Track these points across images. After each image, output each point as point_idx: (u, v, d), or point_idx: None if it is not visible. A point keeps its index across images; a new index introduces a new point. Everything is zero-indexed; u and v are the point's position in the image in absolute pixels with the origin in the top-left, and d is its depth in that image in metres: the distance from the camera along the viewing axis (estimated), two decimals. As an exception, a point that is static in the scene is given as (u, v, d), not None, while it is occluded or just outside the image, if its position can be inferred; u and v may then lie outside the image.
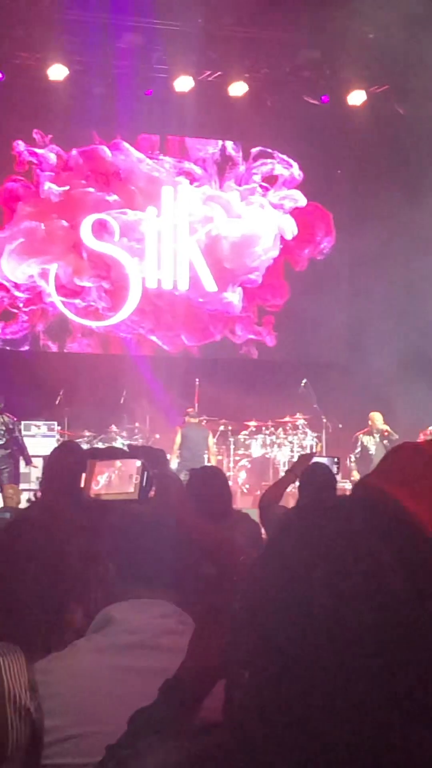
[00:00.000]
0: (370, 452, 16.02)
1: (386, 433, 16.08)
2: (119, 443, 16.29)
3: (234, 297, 18.33)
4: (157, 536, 2.58)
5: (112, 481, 2.60)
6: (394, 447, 1.82)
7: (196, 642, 2.11)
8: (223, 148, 18.52)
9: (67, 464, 4.71)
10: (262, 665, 1.18)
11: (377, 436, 16.17)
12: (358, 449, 16.18)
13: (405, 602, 1.16)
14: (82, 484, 2.65)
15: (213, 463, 15.84)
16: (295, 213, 18.63)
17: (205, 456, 15.92)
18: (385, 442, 15.93)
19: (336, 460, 7.21)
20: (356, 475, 15.82)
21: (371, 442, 16.15)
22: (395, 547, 1.20)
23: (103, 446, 15.94)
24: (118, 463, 2.61)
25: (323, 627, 1.15)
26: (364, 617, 1.14)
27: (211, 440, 16.33)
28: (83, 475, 2.65)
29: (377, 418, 16.26)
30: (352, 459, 16.08)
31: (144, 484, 2.55)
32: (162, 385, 17.26)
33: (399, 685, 1.14)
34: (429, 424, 16.40)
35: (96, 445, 15.90)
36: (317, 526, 1.23)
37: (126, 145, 17.81)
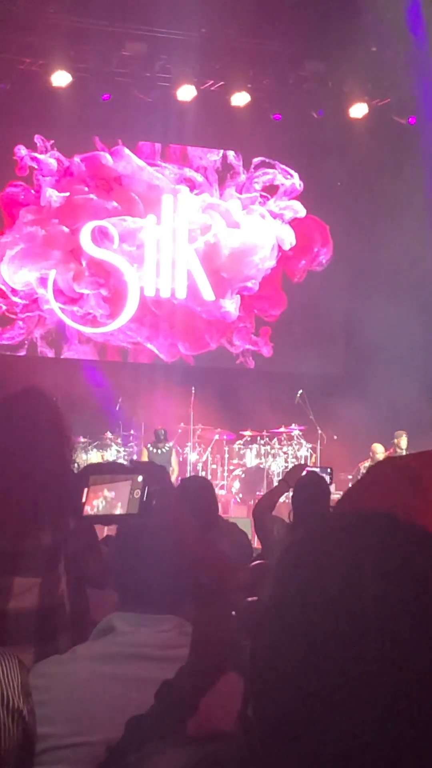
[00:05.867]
0: None
1: None
2: (114, 450, 16.31)
3: (231, 306, 18.35)
4: (157, 550, 2.58)
5: (107, 504, 2.60)
6: (376, 463, 1.83)
7: (195, 647, 2.12)
8: (224, 157, 18.55)
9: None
10: (292, 670, 1.18)
11: None
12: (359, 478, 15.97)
13: None
14: (84, 499, 2.64)
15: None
16: (293, 224, 18.67)
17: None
18: None
19: (329, 470, 7.22)
20: None
21: None
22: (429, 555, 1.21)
23: (97, 452, 15.99)
24: (119, 485, 2.61)
25: (367, 631, 1.15)
26: (406, 620, 1.15)
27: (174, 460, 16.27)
28: (85, 490, 2.64)
29: (378, 450, 16.13)
30: None
31: (145, 499, 2.55)
32: (158, 393, 17.24)
33: None
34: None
35: (90, 452, 15.94)
36: (352, 535, 1.24)
37: (127, 151, 17.84)
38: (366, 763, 1.13)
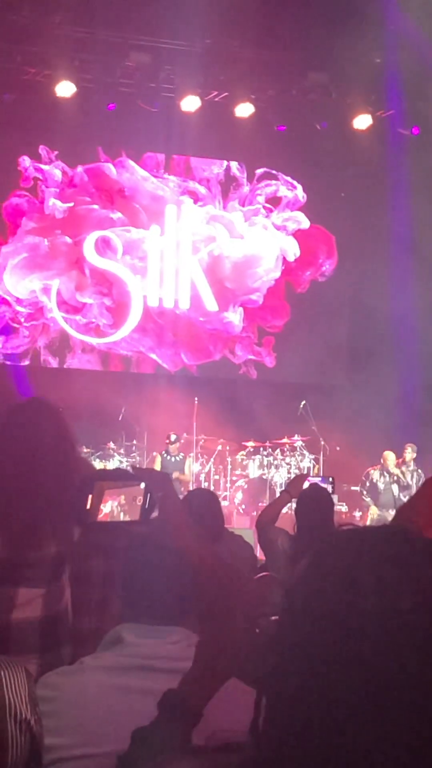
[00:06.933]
0: (379, 489, 15.77)
1: (396, 477, 15.85)
2: (116, 460, 16.28)
3: (234, 317, 18.34)
4: (159, 557, 2.57)
5: (115, 512, 2.62)
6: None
7: (199, 655, 2.11)
8: (228, 168, 18.55)
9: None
10: (304, 683, 1.17)
11: (387, 475, 15.90)
12: (368, 484, 15.91)
13: None
14: (88, 506, 2.64)
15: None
16: (298, 235, 18.65)
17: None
18: (394, 486, 15.75)
19: (330, 479, 7.22)
20: (374, 510, 15.65)
21: (381, 481, 15.86)
22: None
23: (100, 462, 15.96)
24: (122, 497, 2.62)
25: (373, 644, 1.14)
26: (410, 634, 1.14)
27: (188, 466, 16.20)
28: (90, 496, 2.64)
29: (390, 459, 16.03)
30: (365, 494, 15.91)
31: (147, 506, 2.55)
32: (161, 403, 17.21)
33: None
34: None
35: (93, 462, 15.90)
36: (363, 549, 1.23)
37: (131, 162, 17.84)
38: None
